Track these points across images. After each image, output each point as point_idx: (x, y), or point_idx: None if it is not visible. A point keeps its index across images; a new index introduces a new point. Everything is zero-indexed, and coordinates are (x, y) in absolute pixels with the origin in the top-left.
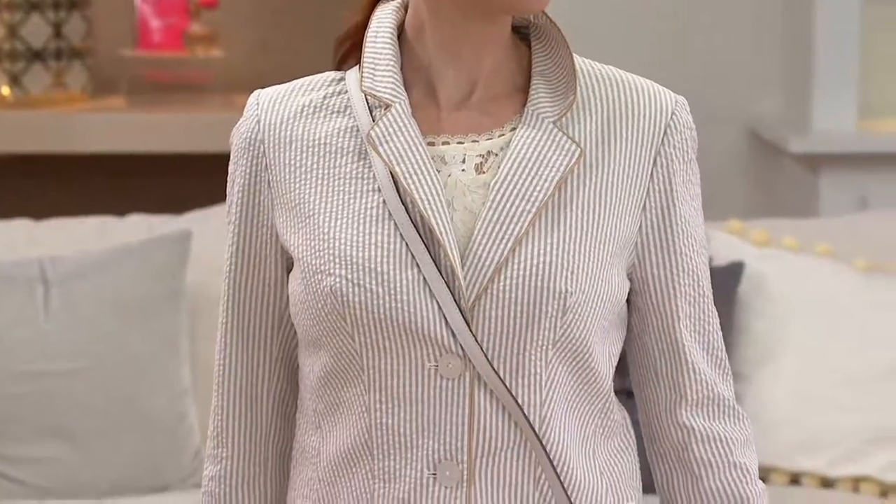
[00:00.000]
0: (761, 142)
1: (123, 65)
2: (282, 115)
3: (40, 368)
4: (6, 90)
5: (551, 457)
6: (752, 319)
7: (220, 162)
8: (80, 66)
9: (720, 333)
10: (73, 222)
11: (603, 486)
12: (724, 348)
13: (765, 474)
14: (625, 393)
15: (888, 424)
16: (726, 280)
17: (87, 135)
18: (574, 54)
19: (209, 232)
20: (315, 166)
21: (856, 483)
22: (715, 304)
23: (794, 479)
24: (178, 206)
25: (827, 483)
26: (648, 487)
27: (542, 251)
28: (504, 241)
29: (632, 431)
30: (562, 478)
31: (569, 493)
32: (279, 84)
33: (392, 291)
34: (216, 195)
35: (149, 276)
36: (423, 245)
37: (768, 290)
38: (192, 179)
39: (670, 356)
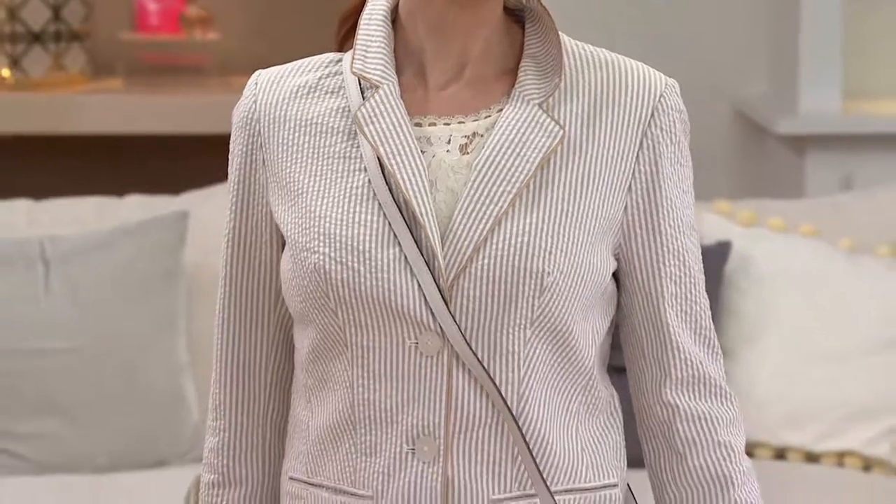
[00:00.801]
0: (748, 123)
1: (121, 47)
2: (278, 95)
3: (40, 346)
4: (6, 72)
5: (528, 434)
6: (739, 298)
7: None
8: (78, 49)
9: (709, 313)
10: (72, 202)
11: (584, 463)
12: (712, 328)
13: (751, 449)
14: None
15: (871, 400)
16: (713, 259)
17: (86, 116)
18: (566, 36)
19: (206, 212)
20: (306, 146)
21: (840, 457)
22: None
23: (780, 454)
24: (175, 186)
25: (812, 458)
26: (639, 462)
27: (520, 231)
28: (483, 221)
29: (619, 409)
30: (538, 455)
31: (546, 469)
32: (279, 65)
33: (374, 270)
34: (213, 176)
35: (147, 256)
36: (406, 225)
37: (755, 269)
38: (190, 160)
39: (655, 336)
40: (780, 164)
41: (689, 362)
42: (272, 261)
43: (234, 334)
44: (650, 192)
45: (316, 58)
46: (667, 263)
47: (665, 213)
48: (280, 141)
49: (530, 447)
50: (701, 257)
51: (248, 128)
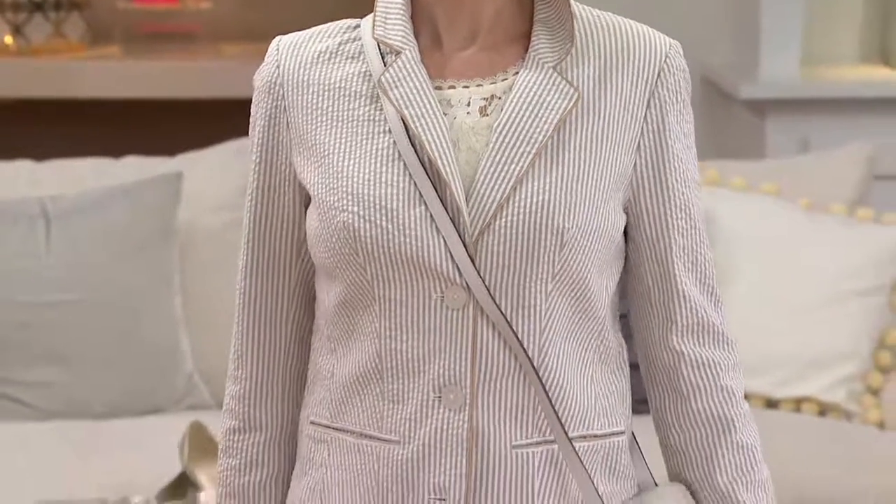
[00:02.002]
0: (713, 89)
1: (118, 16)
2: (300, 60)
3: (42, 299)
4: (9, 40)
5: (549, 383)
6: None
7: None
8: (78, 18)
9: (712, 264)
10: (72, 163)
11: (596, 411)
12: (715, 277)
13: None
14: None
15: (826, 349)
16: None
17: (85, 82)
18: (572, 1)
19: (199, 173)
20: (330, 109)
21: (797, 403)
22: None
23: None
24: (170, 148)
25: (771, 403)
26: (643, 408)
27: (541, 189)
28: (506, 180)
29: (626, 359)
30: (556, 403)
31: (563, 417)
32: (279, 33)
33: (401, 227)
34: (206, 138)
35: (143, 214)
36: (431, 184)
37: (718, 226)
38: (184, 123)
39: (663, 285)
40: (742, 127)
41: (694, 310)
42: (294, 217)
43: (257, 287)
44: (658, 148)
45: (333, 24)
46: (674, 216)
47: (672, 168)
48: (304, 104)
49: (550, 396)
50: (703, 210)
51: (272, 91)
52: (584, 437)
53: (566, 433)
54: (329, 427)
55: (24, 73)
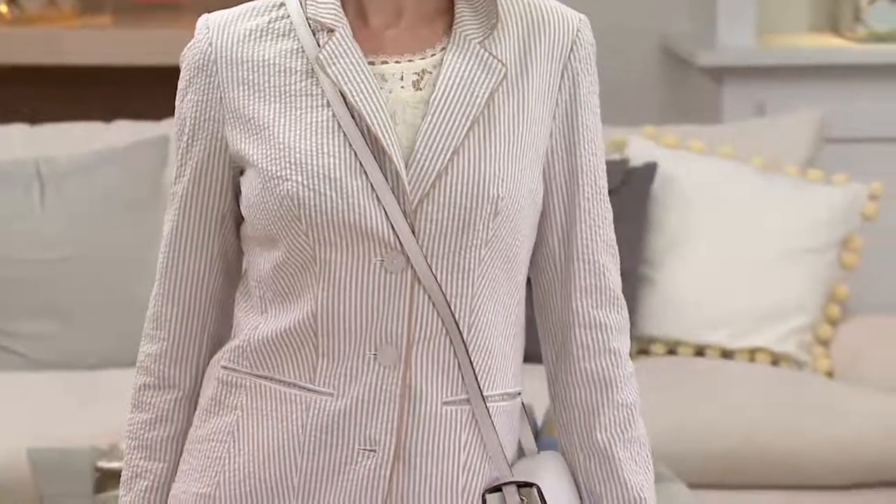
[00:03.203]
0: (672, 56)
1: None
2: (232, 37)
3: (36, 256)
4: (4, 8)
5: (478, 344)
6: (664, 213)
7: None
8: None
9: (612, 227)
10: (64, 127)
11: (511, 371)
12: (615, 241)
13: (673, 347)
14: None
15: (779, 303)
16: (641, 179)
17: (78, 49)
18: None
19: None
20: (266, 84)
21: (752, 353)
22: (631, 201)
23: (699, 352)
24: (157, 113)
25: (727, 354)
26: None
27: (476, 160)
28: (443, 151)
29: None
30: (484, 362)
31: (488, 376)
32: (223, 9)
33: (344, 196)
34: None
35: (132, 176)
36: (371, 155)
37: (678, 187)
38: (170, 89)
39: (566, 247)
40: (700, 93)
41: (593, 273)
42: (223, 189)
43: (180, 253)
44: (569, 118)
45: (259, 2)
46: (581, 181)
47: (581, 136)
48: (239, 80)
49: (478, 356)
50: (606, 176)
51: (205, 68)
52: (503, 395)
53: (481, 393)
54: (249, 374)
55: (18, 40)
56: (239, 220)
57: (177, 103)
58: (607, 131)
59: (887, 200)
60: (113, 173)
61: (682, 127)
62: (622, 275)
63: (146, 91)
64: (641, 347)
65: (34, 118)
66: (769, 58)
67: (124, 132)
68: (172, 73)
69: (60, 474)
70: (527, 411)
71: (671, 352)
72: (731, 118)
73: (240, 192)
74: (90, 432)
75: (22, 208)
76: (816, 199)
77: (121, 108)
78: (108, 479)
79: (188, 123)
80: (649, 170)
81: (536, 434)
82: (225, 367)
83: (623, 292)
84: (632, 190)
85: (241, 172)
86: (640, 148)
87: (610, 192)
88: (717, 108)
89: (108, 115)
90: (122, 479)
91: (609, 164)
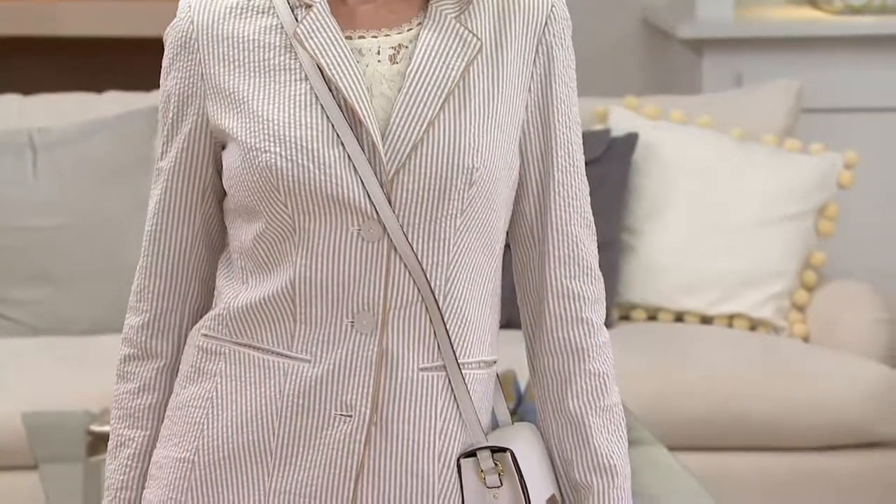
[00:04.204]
0: (653, 28)
1: None
2: (212, 15)
3: (30, 223)
4: None
5: (453, 311)
6: (645, 182)
7: None
8: None
9: (588, 200)
10: (57, 97)
11: (487, 340)
12: (591, 212)
13: (653, 313)
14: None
15: (757, 269)
16: (623, 148)
17: (70, 21)
18: None
19: None
20: (246, 59)
21: (730, 319)
22: (612, 170)
23: (679, 317)
24: (148, 83)
25: (706, 320)
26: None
27: (452, 132)
28: (419, 122)
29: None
30: (459, 329)
31: (464, 343)
32: None
33: (321, 166)
34: None
35: (123, 146)
36: (348, 126)
37: (659, 156)
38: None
39: (541, 217)
40: (680, 64)
41: (568, 244)
42: (204, 164)
43: (164, 228)
44: (544, 91)
45: None
46: (556, 154)
47: (556, 109)
48: (220, 56)
49: (454, 324)
50: (583, 148)
51: (187, 45)
52: (479, 363)
53: (457, 360)
54: (229, 342)
55: (12, 12)
56: (221, 194)
57: (161, 81)
58: (589, 102)
59: (863, 169)
60: (105, 143)
61: (663, 97)
62: (604, 243)
63: (138, 62)
64: (622, 313)
65: (27, 88)
66: (747, 30)
67: (116, 102)
68: (161, 44)
69: (54, 438)
70: (510, 377)
71: (651, 318)
72: (711, 89)
73: (222, 166)
74: (83, 397)
75: (15, 177)
76: (793, 167)
77: (113, 78)
78: (100, 443)
79: (172, 101)
80: (630, 140)
81: (519, 399)
82: (205, 335)
83: (604, 260)
84: (613, 159)
85: (223, 147)
86: (621, 118)
87: (592, 162)
88: (696, 79)
89: (100, 85)
90: (108, 448)
91: (591, 134)
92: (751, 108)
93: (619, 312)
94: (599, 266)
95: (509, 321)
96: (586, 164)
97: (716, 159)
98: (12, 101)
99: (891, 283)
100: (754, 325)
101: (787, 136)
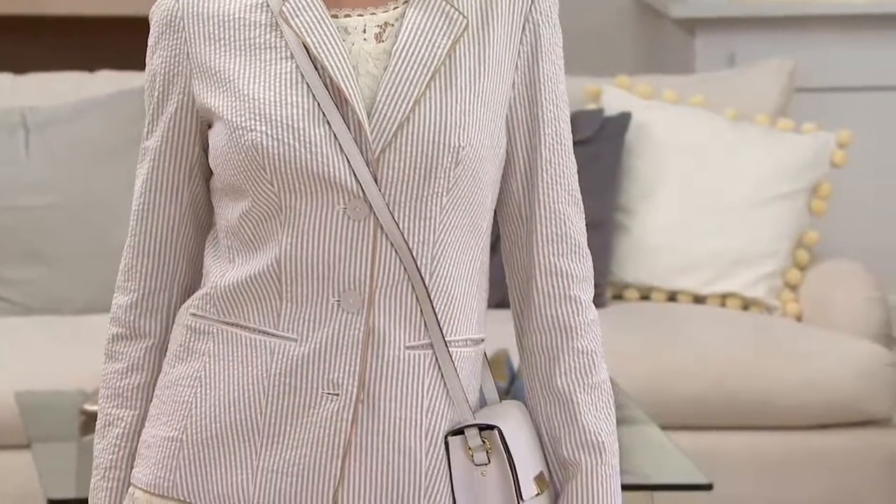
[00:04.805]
0: (645, 8)
1: None
2: None
3: (23, 202)
4: None
5: (439, 290)
6: (638, 161)
7: None
8: None
9: (576, 178)
10: (49, 76)
11: (475, 318)
12: (579, 190)
13: (646, 292)
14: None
15: (749, 248)
16: (615, 128)
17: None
18: None
19: None
20: (231, 38)
21: (723, 299)
22: (605, 150)
23: (672, 297)
24: (140, 63)
25: (699, 299)
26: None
27: (438, 110)
28: (405, 101)
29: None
30: (446, 308)
31: (451, 321)
32: None
33: (307, 145)
34: None
35: (116, 125)
36: (334, 105)
37: (651, 135)
38: None
39: (529, 195)
40: (673, 43)
41: (555, 222)
42: (190, 143)
43: (151, 207)
44: (531, 69)
45: None
46: (543, 132)
47: (542, 87)
48: (205, 35)
49: (440, 302)
50: (570, 126)
51: (172, 24)
52: (466, 341)
53: (444, 338)
54: (217, 321)
55: None
56: (208, 173)
57: (147, 60)
58: (581, 81)
59: (855, 148)
60: (97, 122)
61: (656, 77)
62: (597, 222)
63: (130, 41)
64: (615, 293)
65: (20, 68)
66: (740, 9)
67: (108, 82)
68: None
69: (47, 417)
70: (503, 356)
71: (644, 297)
72: (703, 68)
73: (208, 145)
74: (76, 376)
75: (7, 156)
76: (786, 147)
77: (105, 58)
78: (94, 422)
79: (158, 80)
80: (623, 119)
81: (512, 378)
82: (193, 315)
83: (597, 239)
84: (606, 139)
85: (210, 126)
86: (614, 98)
87: (584, 142)
88: (689, 59)
89: (92, 65)
90: (97, 427)
91: (583, 113)
92: (744, 87)
93: (611, 292)
94: (592, 246)
95: (502, 301)
96: (579, 143)
97: (709, 139)
98: (4, 80)
99: (883, 262)
100: (747, 304)
101: (780, 116)
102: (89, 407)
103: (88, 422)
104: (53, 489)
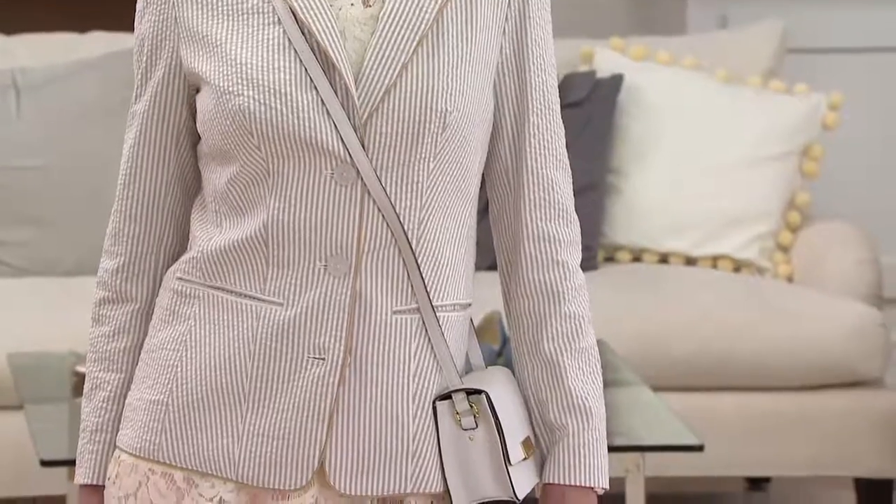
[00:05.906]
0: None
1: None
2: None
3: (14, 164)
4: None
5: (426, 254)
6: (631, 123)
7: None
8: None
9: (563, 142)
10: (40, 37)
11: (462, 283)
12: (566, 155)
13: (638, 254)
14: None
15: (741, 210)
16: (608, 90)
17: None
18: None
19: None
20: (219, 3)
21: (714, 260)
22: (598, 112)
23: (663, 259)
24: (132, 23)
25: (690, 261)
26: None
27: (425, 75)
28: (392, 66)
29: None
30: (433, 273)
31: (438, 286)
32: None
33: (294, 110)
34: None
35: (108, 86)
36: (321, 70)
37: (644, 97)
38: None
39: (517, 160)
40: (665, 5)
41: (543, 187)
42: (178, 108)
43: (139, 171)
44: (518, 33)
45: None
46: (531, 97)
47: (530, 52)
48: (193, 0)
49: (427, 266)
50: (558, 91)
51: None
52: (453, 306)
53: (431, 302)
54: (203, 285)
55: None
56: (196, 138)
57: (135, 25)
58: (574, 43)
59: (847, 110)
60: (89, 83)
61: (649, 38)
62: (589, 185)
63: (121, 2)
64: (607, 255)
65: (10, 28)
66: None
67: (100, 42)
68: None
69: (39, 378)
70: (495, 318)
71: (636, 259)
72: (696, 30)
73: (196, 110)
74: (68, 337)
75: None
76: (778, 108)
77: (96, 18)
78: None
79: (146, 44)
80: (615, 81)
81: (504, 340)
82: (180, 278)
83: (589, 201)
84: (598, 101)
85: (197, 91)
86: (606, 59)
87: (577, 104)
88: (681, 21)
89: (83, 25)
90: (84, 390)
91: (576, 75)
92: (736, 48)
93: (603, 254)
94: (584, 207)
95: (493, 263)
96: (572, 105)
97: (701, 101)
98: None
99: (874, 224)
100: (738, 265)
101: (772, 77)
102: (81, 368)
103: (80, 383)
104: (46, 450)
